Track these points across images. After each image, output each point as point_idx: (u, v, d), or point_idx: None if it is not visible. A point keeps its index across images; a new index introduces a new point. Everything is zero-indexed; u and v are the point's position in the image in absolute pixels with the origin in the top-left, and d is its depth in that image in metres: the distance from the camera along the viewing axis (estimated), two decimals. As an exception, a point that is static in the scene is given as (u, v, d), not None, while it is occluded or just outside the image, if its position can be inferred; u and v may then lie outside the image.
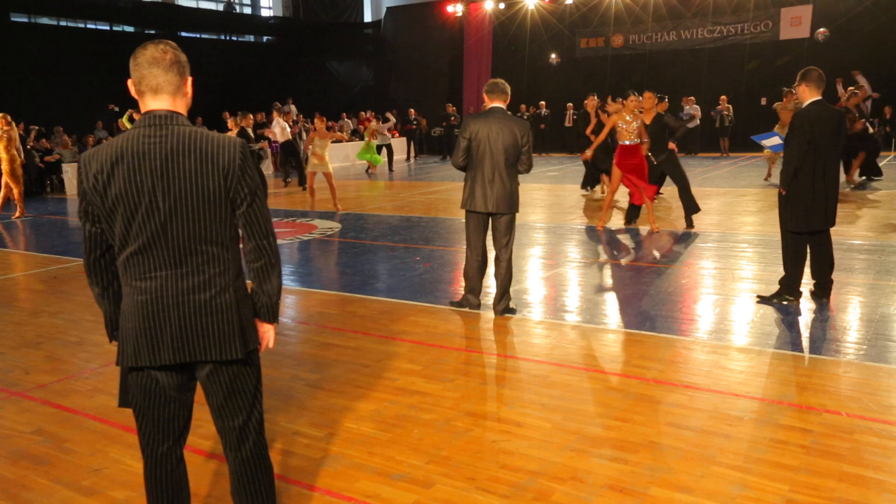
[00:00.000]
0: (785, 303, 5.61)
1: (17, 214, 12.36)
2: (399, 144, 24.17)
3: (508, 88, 5.45)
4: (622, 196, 12.75)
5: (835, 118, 5.35)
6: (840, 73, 15.84)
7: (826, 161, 5.33)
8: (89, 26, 20.47)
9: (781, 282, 5.66)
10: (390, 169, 19.70)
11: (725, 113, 19.57)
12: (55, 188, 17.08)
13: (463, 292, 5.83)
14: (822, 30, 19.76)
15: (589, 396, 3.96)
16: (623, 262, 7.46)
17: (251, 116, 12.34)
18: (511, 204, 5.39)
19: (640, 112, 8.84)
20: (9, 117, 11.86)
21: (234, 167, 2.12)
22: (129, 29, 21.22)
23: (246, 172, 2.14)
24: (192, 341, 2.14)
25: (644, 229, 9.13)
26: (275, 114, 16.86)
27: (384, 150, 19.59)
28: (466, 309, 5.73)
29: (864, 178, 13.20)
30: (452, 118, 22.70)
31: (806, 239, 5.53)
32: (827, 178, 5.35)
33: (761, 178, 14.26)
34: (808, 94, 5.37)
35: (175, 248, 2.11)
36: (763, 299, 5.74)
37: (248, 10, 26.69)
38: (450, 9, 25.19)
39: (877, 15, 19.13)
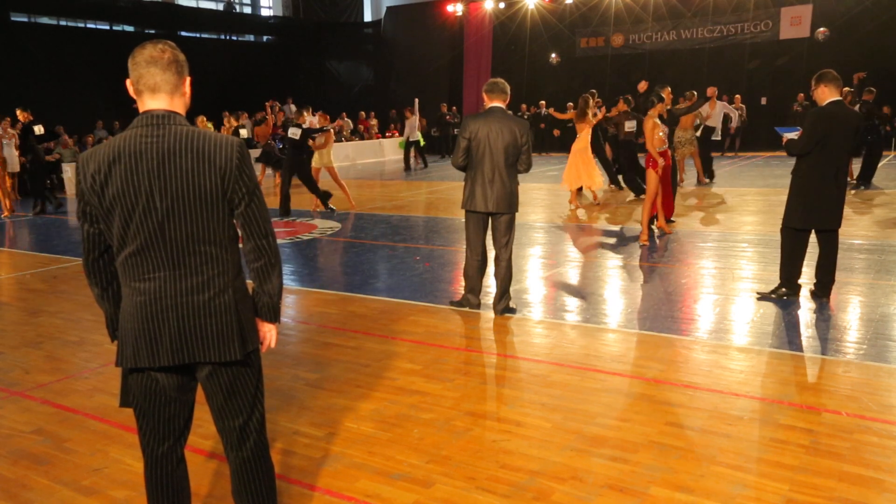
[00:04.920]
0: (784, 297, 5.65)
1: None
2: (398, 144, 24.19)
3: (508, 88, 5.44)
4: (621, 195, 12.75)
5: (852, 120, 5.37)
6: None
7: (837, 162, 5.35)
8: (89, 26, 20.46)
9: (780, 277, 5.71)
10: (424, 164, 20.17)
11: (739, 113, 19.44)
12: (55, 188, 17.06)
13: (463, 292, 5.83)
14: (822, 29, 19.75)
15: (589, 396, 3.96)
16: (623, 261, 7.46)
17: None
18: (511, 204, 5.39)
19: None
20: None
21: (232, 167, 2.11)
22: (129, 29, 21.21)
23: (243, 172, 2.13)
24: (191, 342, 2.14)
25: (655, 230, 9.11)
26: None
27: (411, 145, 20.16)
28: (466, 308, 5.73)
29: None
30: (448, 116, 22.70)
31: (807, 236, 5.57)
32: (837, 178, 5.38)
33: (762, 178, 14.26)
34: (826, 95, 5.39)
35: (173, 249, 2.10)
36: (762, 295, 5.77)
37: (248, 10, 26.69)
38: (450, 8, 25.18)
39: (877, 15, 19.13)
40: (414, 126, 20.15)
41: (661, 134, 8.17)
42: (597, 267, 7.27)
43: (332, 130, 11.78)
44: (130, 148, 2.08)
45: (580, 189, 11.67)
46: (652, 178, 8.15)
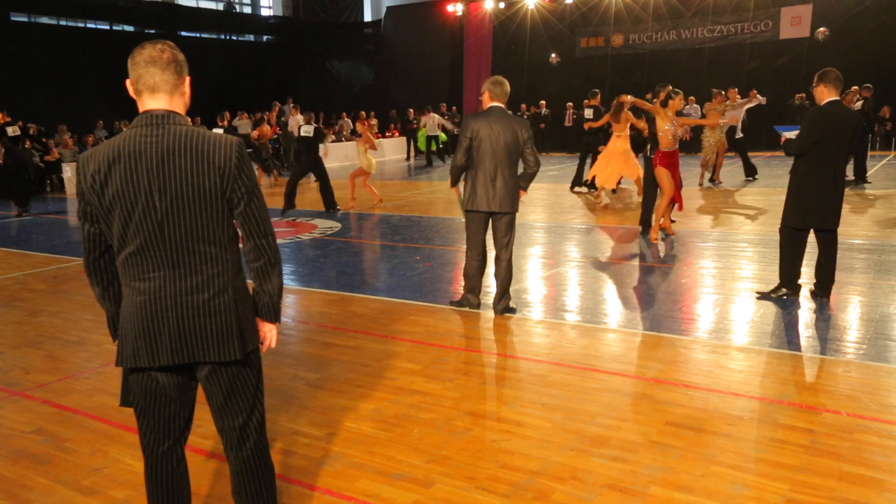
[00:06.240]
0: (784, 297, 5.66)
1: None
2: (399, 144, 24.20)
3: (509, 90, 5.45)
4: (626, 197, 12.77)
5: (850, 120, 5.37)
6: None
7: (835, 162, 5.35)
8: (89, 26, 20.48)
9: (780, 277, 5.73)
10: (428, 162, 20.92)
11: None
12: (55, 188, 17.09)
13: (462, 292, 5.83)
14: (822, 29, 19.76)
15: (589, 396, 3.96)
16: (623, 261, 7.46)
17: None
18: (513, 203, 5.39)
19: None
20: None
21: (231, 166, 2.11)
22: (129, 28, 21.24)
23: (242, 171, 2.13)
24: (191, 342, 2.14)
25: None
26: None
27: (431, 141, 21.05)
28: (466, 308, 5.73)
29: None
30: (454, 118, 22.82)
31: (806, 235, 5.57)
32: (835, 179, 5.38)
33: (762, 178, 14.26)
34: (825, 95, 5.39)
35: (172, 248, 2.10)
36: (762, 295, 5.77)
37: (248, 10, 26.70)
38: (450, 8, 25.19)
39: (877, 15, 19.14)
40: (434, 123, 20.54)
41: (668, 128, 8.10)
42: (597, 267, 7.26)
43: (368, 136, 11.98)
44: (130, 148, 2.08)
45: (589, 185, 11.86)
46: (663, 176, 8.11)
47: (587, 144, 13.37)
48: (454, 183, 5.76)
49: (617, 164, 11.14)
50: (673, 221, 9.25)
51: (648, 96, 11.29)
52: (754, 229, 8.93)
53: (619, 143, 11.13)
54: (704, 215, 10.16)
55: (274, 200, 11.82)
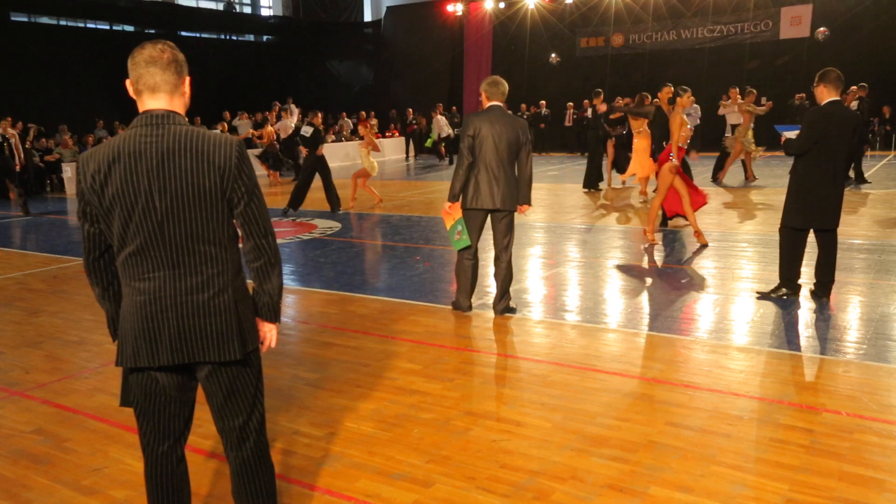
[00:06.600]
0: (784, 297, 5.66)
1: None
2: (399, 144, 24.21)
3: (507, 90, 5.44)
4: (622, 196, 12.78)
5: (850, 121, 5.37)
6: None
7: (835, 162, 5.35)
8: (89, 26, 20.48)
9: (780, 277, 5.74)
10: (439, 158, 21.51)
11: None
12: (55, 188, 17.09)
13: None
14: (822, 29, 19.76)
15: (589, 396, 3.96)
16: (623, 262, 7.46)
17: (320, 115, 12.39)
18: (514, 201, 5.38)
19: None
20: None
21: (231, 166, 2.11)
22: (129, 28, 21.25)
23: (242, 171, 2.13)
24: (191, 342, 2.14)
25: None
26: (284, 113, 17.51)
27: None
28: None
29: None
30: (454, 118, 22.89)
31: (806, 235, 5.58)
32: (835, 179, 5.37)
33: (762, 178, 14.28)
34: (826, 95, 5.39)
35: (172, 248, 2.10)
36: (762, 295, 5.78)
37: (248, 10, 26.70)
38: (450, 8, 25.19)
39: (877, 15, 19.14)
40: (443, 124, 20.72)
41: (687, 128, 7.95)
42: (597, 267, 7.26)
43: (371, 138, 12.02)
44: (130, 148, 2.08)
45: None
46: (665, 175, 8.04)
47: (591, 142, 13.45)
48: (455, 195, 5.37)
49: (644, 159, 11.11)
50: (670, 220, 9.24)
51: (668, 108, 11.02)
52: (754, 229, 8.93)
53: (640, 139, 11.11)
54: (704, 215, 10.16)
55: (274, 200, 11.82)
